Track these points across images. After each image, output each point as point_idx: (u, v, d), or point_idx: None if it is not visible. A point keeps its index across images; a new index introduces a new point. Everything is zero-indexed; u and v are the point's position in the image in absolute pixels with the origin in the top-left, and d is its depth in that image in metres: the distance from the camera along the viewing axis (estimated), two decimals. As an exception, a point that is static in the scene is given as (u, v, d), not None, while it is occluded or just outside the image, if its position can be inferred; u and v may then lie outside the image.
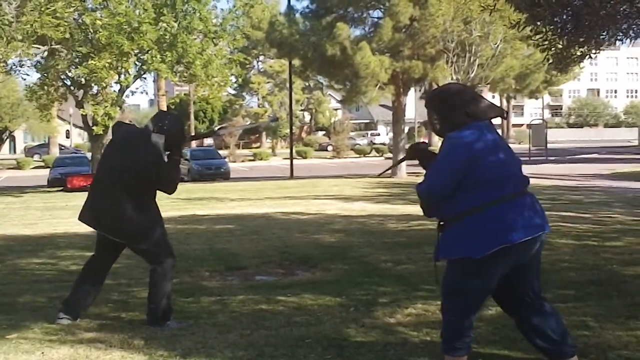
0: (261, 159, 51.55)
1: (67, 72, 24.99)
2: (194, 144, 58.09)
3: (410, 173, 28.20)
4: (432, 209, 4.11)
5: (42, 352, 4.61)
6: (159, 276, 5.33)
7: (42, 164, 48.01)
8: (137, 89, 57.75)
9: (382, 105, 31.46)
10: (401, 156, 28.11)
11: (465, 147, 3.91)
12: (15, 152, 71.20)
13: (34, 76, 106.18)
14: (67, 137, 65.74)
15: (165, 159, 5.34)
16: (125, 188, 5.23)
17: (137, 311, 5.57)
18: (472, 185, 3.89)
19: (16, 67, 24.35)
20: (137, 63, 25.19)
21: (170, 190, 5.50)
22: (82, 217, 5.50)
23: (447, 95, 4.16)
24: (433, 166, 4.01)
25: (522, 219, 3.88)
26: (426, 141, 4.29)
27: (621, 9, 8.27)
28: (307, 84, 62.27)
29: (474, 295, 3.99)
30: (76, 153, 46.67)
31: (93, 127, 24.24)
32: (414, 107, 56.32)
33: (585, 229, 10.51)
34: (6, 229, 12.76)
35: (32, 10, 18.09)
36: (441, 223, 4.08)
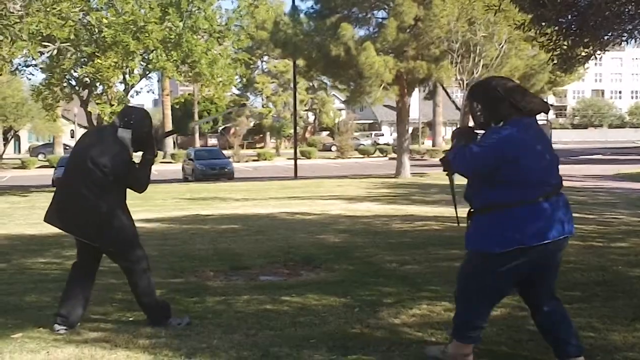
0: (265, 159, 51.56)
1: (72, 71, 25.06)
2: (197, 143, 58.17)
3: (414, 174, 28.21)
4: (472, 196, 4.07)
5: (47, 352, 4.61)
6: (137, 277, 5.19)
7: (47, 163, 48.10)
8: (141, 88, 57.96)
9: (386, 106, 31.32)
10: (405, 157, 28.09)
11: (507, 143, 3.89)
12: (20, 151, 71.32)
13: (39, 76, 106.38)
14: (72, 136, 65.82)
15: (132, 157, 5.19)
16: (93, 186, 5.03)
17: (142, 311, 5.57)
18: (504, 182, 3.89)
19: (21, 66, 24.44)
20: (142, 62, 25.25)
21: (140, 189, 5.24)
22: (49, 219, 5.30)
23: (492, 86, 4.11)
24: (472, 151, 3.93)
25: (544, 222, 3.89)
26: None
27: (626, 10, 8.26)
28: (311, 84, 62.28)
29: (486, 289, 4.03)
30: (81, 153, 46.63)
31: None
32: (418, 107, 56.35)
33: (590, 230, 10.48)
34: (11, 229, 12.79)
35: (37, 11, 18.12)
36: (470, 210, 4.10)
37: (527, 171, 3.88)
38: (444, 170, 4.27)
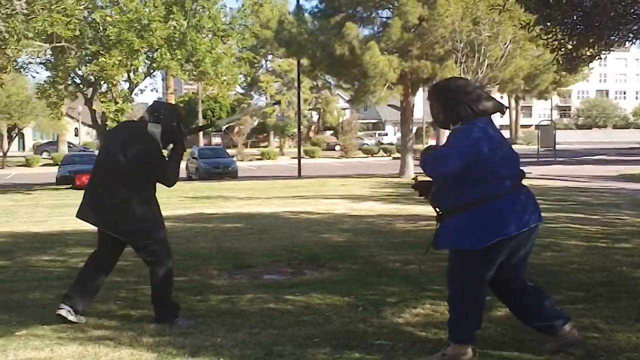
0: (269, 158, 51.59)
1: (76, 70, 25.09)
2: (201, 142, 58.19)
3: (417, 173, 28.15)
4: (439, 198, 4.27)
5: (51, 349, 4.62)
6: (161, 277, 5.29)
7: (51, 161, 48.17)
8: (146, 87, 58.00)
9: (391, 105, 31.37)
10: (409, 157, 28.09)
11: (474, 141, 4.08)
12: (24, 149, 71.46)
13: (44, 74, 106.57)
14: (76, 135, 66.03)
15: (164, 152, 5.30)
16: (125, 182, 5.13)
17: (146, 308, 5.57)
18: (475, 179, 4.06)
19: (26, 65, 24.47)
20: (146, 61, 25.28)
21: (169, 182, 5.34)
22: (82, 215, 5.39)
23: (450, 88, 4.30)
24: (440, 155, 4.15)
25: (520, 212, 4.12)
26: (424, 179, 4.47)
27: (632, 10, 8.24)
28: (315, 83, 62.19)
29: (477, 284, 4.19)
30: (85, 151, 46.85)
31: (107, 123, 24.35)
32: (422, 107, 56.26)
33: (595, 230, 10.47)
34: (15, 226, 12.81)
35: (42, 9, 18.15)
36: (439, 213, 4.27)
37: (497, 165, 4.10)
38: (420, 195, 4.52)
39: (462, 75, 26.71)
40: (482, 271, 4.16)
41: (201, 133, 65.17)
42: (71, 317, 5.20)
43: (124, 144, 5.20)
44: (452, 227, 4.17)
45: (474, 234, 4.06)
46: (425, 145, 52.59)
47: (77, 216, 5.45)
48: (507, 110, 5.12)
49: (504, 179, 4.12)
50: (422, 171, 4.29)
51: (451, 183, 4.14)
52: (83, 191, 5.50)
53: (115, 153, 5.19)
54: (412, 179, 4.65)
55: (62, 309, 5.22)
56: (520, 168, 4.31)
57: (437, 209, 4.30)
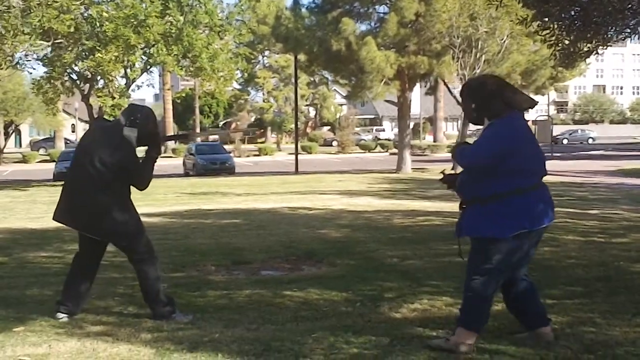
0: (266, 154, 51.57)
1: (73, 65, 25.04)
2: (199, 138, 58.08)
3: (415, 169, 28.20)
4: (464, 188, 4.39)
5: (49, 345, 4.62)
6: (149, 275, 5.29)
7: (48, 157, 48.13)
8: (142, 82, 58.07)
9: (388, 101, 31.32)
10: (406, 152, 28.07)
11: (508, 135, 4.24)
12: (21, 145, 71.35)
13: (40, 70, 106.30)
14: (73, 131, 65.89)
15: (138, 155, 5.29)
16: (101, 184, 5.11)
17: (144, 305, 5.57)
18: (506, 172, 4.20)
19: (22, 60, 24.41)
20: (143, 57, 25.24)
21: (142, 186, 5.31)
22: (58, 217, 5.37)
23: (486, 85, 4.42)
24: (475, 146, 4.29)
25: (542, 208, 4.29)
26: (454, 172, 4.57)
27: (629, 5, 8.24)
28: (312, 79, 62.25)
29: (496, 273, 4.29)
30: (81, 147, 46.63)
31: (104, 118, 24.31)
32: (419, 102, 56.25)
33: (592, 225, 10.49)
34: (12, 223, 12.80)
35: (37, 4, 18.11)
36: (463, 205, 4.41)
37: (527, 161, 4.25)
38: (448, 188, 4.59)
39: (460, 71, 26.73)
40: (502, 261, 4.26)
41: (198, 129, 65.14)
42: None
43: (99, 147, 5.17)
44: (477, 215, 4.30)
45: (499, 223, 4.20)
46: (422, 142, 52.45)
47: (54, 219, 5.43)
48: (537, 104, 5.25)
49: (531, 174, 4.28)
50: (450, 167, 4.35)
51: (481, 174, 4.27)
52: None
53: (91, 155, 5.16)
54: (440, 172, 4.74)
55: (60, 318, 5.25)
56: (545, 165, 4.42)
57: (463, 198, 4.43)
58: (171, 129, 58.99)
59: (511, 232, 4.19)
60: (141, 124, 5.24)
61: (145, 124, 5.27)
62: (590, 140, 61.31)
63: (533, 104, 4.49)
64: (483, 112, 4.36)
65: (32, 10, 17.81)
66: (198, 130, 64.32)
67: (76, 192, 5.24)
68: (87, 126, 64.48)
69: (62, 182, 5.64)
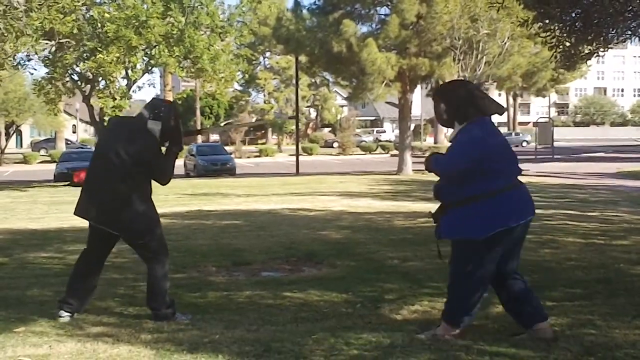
0: (267, 155, 51.56)
1: (74, 66, 25.05)
2: (199, 139, 58.14)
3: (416, 170, 28.17)
4: (444, 192, 4.53)
5: (50, 346, 4.61)
6: (159, 274, 5.29)
7: (49, 158, 48.14)
8: (144, 83, 58.18)
9: (389, 103, 31.46)
10: (407, 154, 28.06)
11: (482, 139, 4.39)
12: (22, 146, 71.38)
13: (42, 71, 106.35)
14: (74, 132, 65.91)
15: (163, 150, 5.29)
16: (126, 180, 5.10)
17: (144, 305, 5.57)
18: (481, 174, 4.35)
19: (24, 61, 24.43)
20: (144, 58, 25.25)
21: (164, 181, 5.32)
22: (81, 212, 5.34)
23: (457, 89, 4.65)
24: (452, 152, 4.45)
25: (519, 206, 4.47)
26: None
27: (630, 7, 8.24)
28: (313, 80, 62.19)
29: (478, 273, 4.44)
30: (82, 148, 46.73)
31: (104, 119, 24.34)
32: (420, 104, 56.28)
33: (592, 227, 10.48)
34: (13, 223, 12.80)
35: (40, 5, 18.12)
36: (442, 205, 4.55)
37: (501, 162, 4.43)
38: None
39: (461, 73, 26.75)
40: (481, 261, 4.41)
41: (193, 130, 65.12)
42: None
43: (123, 141, 5.15)
44: (455, 218, 4.43)
45: (477, 224, 4.34)
46: (423, 143, 52.44)
47: (75, 213, 5.40)
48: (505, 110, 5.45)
49: (505, 175, 4.44)
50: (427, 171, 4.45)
51: (457, 178, 4.41)
52: (81, 187, 5.45)
53: (115, 149, 5.14)
54: (428, 212, 4.88)
55: (63, 316, 5.22)
56: (518, 165, 4.58)
57: (441, 202, 4.56)
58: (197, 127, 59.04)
59: (489, 232, 4.33)
60: (165, 117, 5.23)
61: (169, 117, 5.26)
62: (524, 144, 60.84)
63: (501, 110, 4.65)
64: (454, 116, 4.52)
65: (34, 11, 17.81)
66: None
67: (97, 184, 5.21)
68: (88, 127, 64.55)
69: (67, 180, 5.59)
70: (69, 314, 5.24)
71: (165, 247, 5.41)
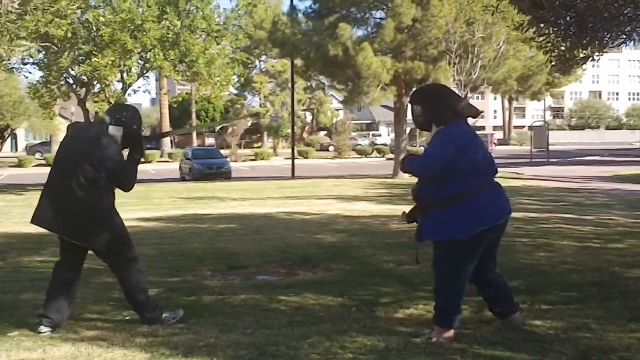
0: (262, 159, 51.54)
1: (69, 70, 25.02)
2: (195, 142, 58.11)
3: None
4: (422, 194, 4.63)
5: (44, 350, 4.60)
6: (132, 281, 5.17)
7: (44, 162, 47.99)
8: (139, 87, 57.98)
9: (384, 106, 31.45)
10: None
11: (458, 140, 4.49)
12: (16, 150, 71.22)
13: (37, 74, 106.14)
14: (69, 135, 65.67)
15: (124, 156, 5.16)
16: (86, 187, 4.94)
17: (134, 310, 5.56)
18: (458, 174, 4.45)
19: (19, 64, 24.39)
20: (139, 61, 25.22)
21: (127, 187, 5.13)
22: (39, 221, 5.16)
23: (434, 93, 4.83)
24: (427, 152, 4.57)
25: (497, 204, 4.61)
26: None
27: (625, 11, 8.26)
28: (309, 84, 62.19)
29: (463, 272, 4.59)
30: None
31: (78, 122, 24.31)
32: (415, 108, 56.10)
33: (587, 231, 10.50)
34: (8, 227, 12.77)
35: (34, 9, 18.10)
36: (420, 207, 4.67)
37: (477, 162, 4.54)
38: (412, 222, 4.84)
39: (456, 76, 26.80)
40: (466, 260, 4.56)
41: (195, 133, 65.07)
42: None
43: (85, 147, 5.01)
44: (436, 220, 4.55)
45: (458, 224, 4.45)
46: (418, 147, 52.55)
47: (32, 222, 5.22)
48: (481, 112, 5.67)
49: (482, 174, 4.57)
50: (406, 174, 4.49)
51: (434, 180, 4.51)
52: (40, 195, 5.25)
53: (77, 156, 4.99)
54: (402, 213, 4.92)
55: (43, 332, 5.01)
56: (494, 165, 4.75)
57: (419, 204, 4.67)
58: (164, 130, 58.98)
59: (471, 232, 4.44)
60: (127, 122, 5.13)
61: (132, 122, 5.16)
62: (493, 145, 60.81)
63: (477, 112, 4.82)
64: (431, 118, 4.64)
65: (29, 14, 17.79)
66: (194, 133, 64.26)
67: (59, 194, 5.03)
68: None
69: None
70: (49, 328, 5.04)
71: (134, 253, 5.25)
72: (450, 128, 4.53)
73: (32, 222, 5.24)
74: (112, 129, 5.08)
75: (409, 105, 4.89)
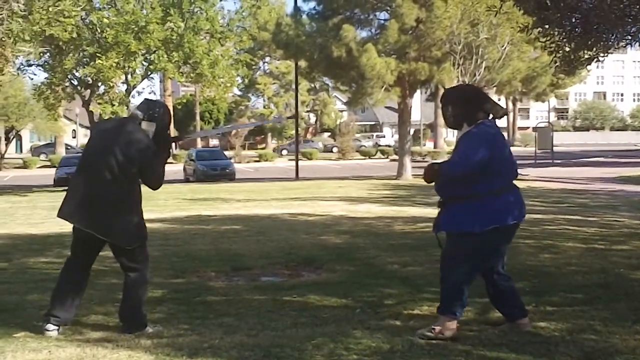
0: (266, 160, 51.56)
1: (74, 71, 25.08)
2: (199, 144, 58.15)
3: (415, 175, 28.15)
4: (446, 188, 4.74)
5: (49, 351, 4.61)
6: (139, 284, 5.07)
7: (49, 163, 48.15)
8: (143, 89, 58.05)
9: (388, 107, 31.52)
10: (407, 159, 28.09)
11: (490, 140, 4.63)
12: (21, 151, 71.37)
13: (42, 75, 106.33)
14: (74, 137, 65.86)
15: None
16: (117, 182, 4.86)
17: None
18: (486, 174, 4.57)
19: (24, 66, 24.46)
20: (144, 63, 25.28)
21: (156, 185, 5.06)
22: (66, 215, 5.02)
23: (466, 93, 4.97)
24: (463, 153, 4.62)
25: (515, 206, 4.72)
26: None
27: (630, 12, 8.24)
28: (313, 85, 62.27)
29: (471, 265, 4.69)
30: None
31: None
32: (419, 109, 56.24)
33: (592, 232, 10.48)
34: (13, 228, 12.79)
35: (39, 10, 18.14)
36: (441, 201, 4.79)
37: (503, 164, 4.67)
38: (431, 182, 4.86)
39: (460, 78, 26.76)
40: (476, 254, 4.67)
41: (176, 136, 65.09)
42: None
43: (119, 142, 4.90)
44: (455, 213, 4.67)
45: (475, 220, 4.58)
46: (422, 148, 52.32)
47: (59, 216, 5.09)
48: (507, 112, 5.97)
49: (506, 176, 4.70)
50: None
51: (463, 178, 4.61)
52: (67, 188, 5.19)
53: (108, 150, 4.89)
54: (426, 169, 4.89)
55: (50, 330, 4.97)
56: (517, 168, 4.88)
57: (443, 198, 4.78)
58: (172, 134, 58.98)
59: (485, 227, 4.57)
60: (159, 118, 5.08)
61: (164, 118, 5.11)
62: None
63: (506, 112, 5.03)
64: (462, 118, 4.75)
65: (33, 14, 17.82)
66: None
67: (87, 187, 4.93)
68: (88, 132, 64.47)
69: (67, 185, 5.26)
70: (56, 327, 4.98)
71: (148, 257, 5.18)
72: (482, 129, 4.65)
73: (58, 215, 5.10)
74: (145, 125, 5.03)
75: (441, 105, 4.99)
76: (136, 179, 5.00)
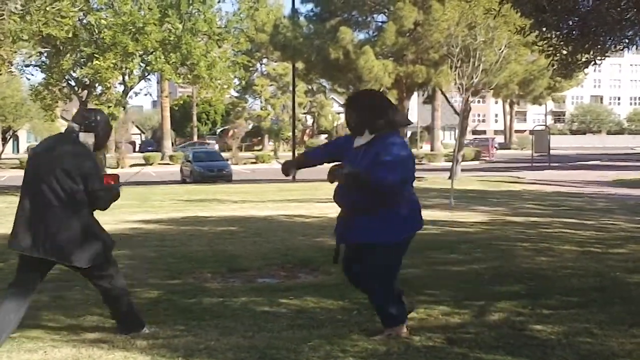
0: (263, 162, 51.55)
1: (71, 72, 25.06)
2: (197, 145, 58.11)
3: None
4: (351, 199, 4.68)
5: (45, 352, 4.60)
6: (117, 293, 4.92)
7: (45, 163, 47.99)
8: (140, 90, 57.79)
9: (385, 110, 31.45)
10: None
11: (408, 150, 4.71)
12: (18, 151, 71.27)
13: (39, 76, 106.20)
14: (70, 137, 65.77)
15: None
16: (61, 204, 4.62)
17: (140, 312, 5.55)
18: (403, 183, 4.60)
19: (21, 67, 24.43)
20: (141, 64, 25.26)
21: (104, 203, 4.78)
22: (16, 245, 4.80)
23: (372, 99, 4.82)
24: (391, 163, 4.53)
25: (420, 212, 4.82)
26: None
27: (627, 15, 8.26)
28: (310, 87, 62.38)
29: (394, 272, 4.82)
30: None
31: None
32: (416, 111, 56.36)
33: (588, 235, 10.48)
34: (9, 228, 12.74)
35: (37, 10, 18.11)
36: (350, 211, 4.73)
37: (411, 172, 4.72)
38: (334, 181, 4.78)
39: (457, 80, 26.78)
40: (397, 262, 4.79)
41: (195, 136, 65.13)
42: None
43: (59, 158, 4.67)
44: (370, 223, 4.62)
45: (392, 229, 4.60)
46: (419, 150, 52.44)
47: (10, 247, 4.89)
48: (411, 122, 5.94)
49: (411, 183, 4.77)
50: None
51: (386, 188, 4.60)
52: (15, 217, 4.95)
53: (52, 169, 4.64)
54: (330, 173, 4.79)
55: None
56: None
57: (348, 208, 4.75)
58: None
59: (404, 235, 4.68)
60: (97, 127, 4.83)
61: (103, 127, 4.87)
62: None
63: (409, 122, 5.11)
64: (365, 125, 4.66)
65: (31, 14, 17.79)
66: (195, 138, 64.30)
67: (35, 215, 4.71)
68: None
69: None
70: None
71: (115, 264, 4.97)
72: (394, 138, 4.63)
73: (9, 246, 4.89)
74: (82, 136, 4.80)
75: (345, 108, 4.94)
76: (83, 197, 4.69)
